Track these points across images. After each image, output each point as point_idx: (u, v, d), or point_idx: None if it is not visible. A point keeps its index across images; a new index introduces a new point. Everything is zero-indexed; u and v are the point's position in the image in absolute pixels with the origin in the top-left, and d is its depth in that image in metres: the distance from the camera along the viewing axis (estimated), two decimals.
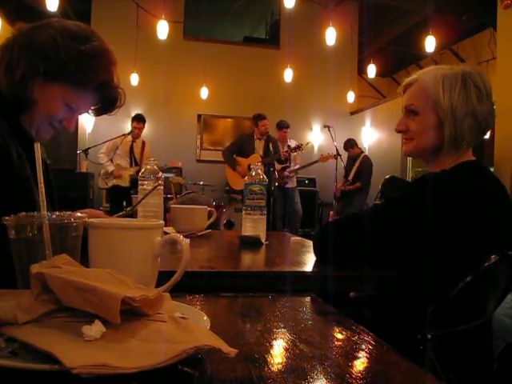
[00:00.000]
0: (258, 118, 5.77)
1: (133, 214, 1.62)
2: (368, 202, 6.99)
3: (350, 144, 6.81)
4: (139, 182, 1.47)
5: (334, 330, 0.72)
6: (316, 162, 6.42)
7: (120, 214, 1.34)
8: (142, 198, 1.36)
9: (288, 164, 6.05)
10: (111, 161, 5.96)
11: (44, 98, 1.08)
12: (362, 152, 6.68)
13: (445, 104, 1.20)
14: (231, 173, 5.81)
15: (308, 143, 6.70)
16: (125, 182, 5.93)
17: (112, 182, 5.94)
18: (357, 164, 6.55)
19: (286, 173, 5.96)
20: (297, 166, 6.39)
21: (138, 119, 6.12)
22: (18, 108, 1.07)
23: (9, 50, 1.06)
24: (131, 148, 6.08)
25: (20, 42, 1.06)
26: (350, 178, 6.52)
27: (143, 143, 6.19)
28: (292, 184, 6.42)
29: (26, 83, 1.05)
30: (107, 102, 1.22)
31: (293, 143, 6.41)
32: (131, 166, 6.07)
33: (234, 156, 5.79)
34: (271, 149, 5.62)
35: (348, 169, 6.77)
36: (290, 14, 7.25)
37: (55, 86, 1.08)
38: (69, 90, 1.10)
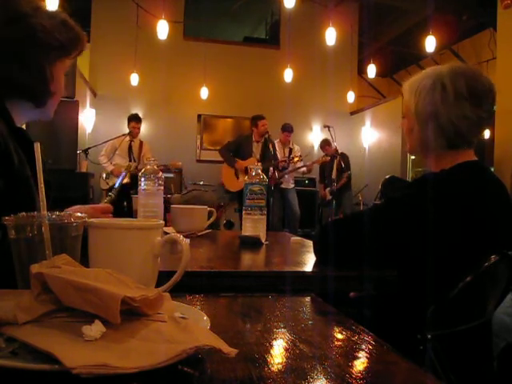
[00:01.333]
0: (257, 118, 5.75)
1: (133, 215, 1.62)
2: (354, 193, 7.09)
3: (326, 143, 6.87)
4: (139, 182, 1.47)
5: (334, 330, 0.72)
6: (314, 163, 6.45)
7: (106, 200, 1.37)
8: (122, 180, 1.39)
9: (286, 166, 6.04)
10: (110, 162, 6.07)
11: (58, 82, 1.13)
12: (337, 154, 6.67)
13: (413, 108, 1.24)
14: (227, 174, 5.78)
15: (307, 155, 6.69)
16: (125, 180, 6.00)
17: (113, 182, 6.00)
18: (336, 161, 6.58)
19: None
20: (291, 168, 6.34)
21: (137, 119, 6.23)
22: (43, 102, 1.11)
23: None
24: (130, 147, 6.18)
25: (12, 44, 1.06)
26: (334, 176, 6.53)
27: (141, 142, 6.31)
28: (289, 185, 6.41)
29: (47, 78, 1.09)
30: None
31: (295, 148, 6.41)
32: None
33: (231, 154, 5.77)
34: (271, 149, 5.61)
35: (328, 168, 6.82)
36: (290, 13, 7.25)
37: (57, 66, 1.12)
38: (64, 62, 1.15)
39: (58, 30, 1.09)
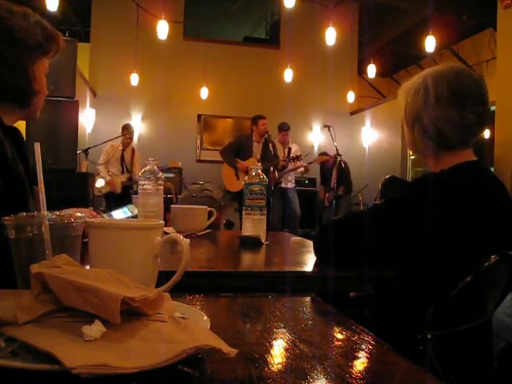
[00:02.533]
0: (257, 117, 5.75)
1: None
2: (352, 200, 7.13)
3: (324, 154, 6.91)
4: (139, 182, 1.47)
5: (334, 330, 0.72)
6: (311, 163, 6.44)
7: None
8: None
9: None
10: (107, 171, 6.23)
11: (40, 82, 1.14)
12: (335, 158, 6.66)
13: (403, 111, 1.29)
14: (227, 174, 5.76)
15: (307, 155, 6.69)
16: (117, 191, 6.20)
17: (106, 189, 6.20)
18: (334, 170, 6.60)
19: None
20: (290, 167, 6.31)
21: (127, 129, 6.37)
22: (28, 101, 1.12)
23: None
24: (122, 156, 6.31)
25: None
26: (333, 184, 6.56)
27: (133, 150, 6.42)
28: (290, 184, 6.41)
29: (30, 77, 1.09)
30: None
31: (294, 147, 6.41)
32: (122, 173, 6.30)
33: (232, 156, 5.75)
34: (271, 149, 5.60)
35: (327, 175, 6.87)
36: (290, 13, 7.25)
37: (37, 65, 1.13)
38: (44, 62, 1.16)
39: (34, 30, 1.10)
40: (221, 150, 5.96)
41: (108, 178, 6.18)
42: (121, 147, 6.27)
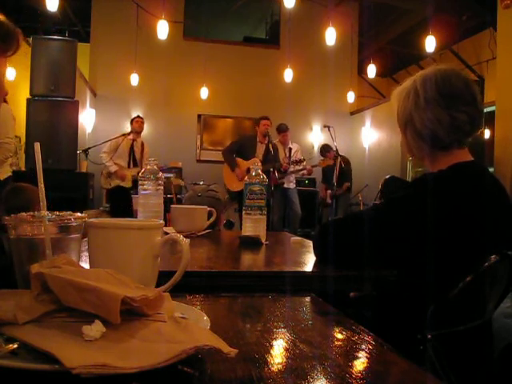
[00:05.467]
0: (260, 117, 5.79)
1: (133, 215, 1.63)
2: (352, 200, 7.15)
3: (326, 149, 6.90)
4: (139, 182, 1.47)
5: (334, 330, 0.72)
6: (315, 166, 6.43)
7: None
8: None
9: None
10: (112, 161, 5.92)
11: None
12: (337, 154, 6.65)
13: (396, 116, 1.30)
14: (228, 174, 5.76)
15: (310, 158, 6.67)
16: (127, 183, 5.86)
17: (115, 183, 5.87)
18: (337, 167, 6.60)
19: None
20: (292, 169, 6.29)
21: (139, 116, 6.23)
22: None
23: None
24: (131, 148, 6.04)
25: None
26: (335, 181, 6.56)
27: (142, 144, 6.18)
28: (291, 185, 6.41)
29: None
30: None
31: (294, 147, 6.41)
32: (129, 166, 6.00)
33: (234, 156, 5.73)
34: (271, 149, 5.60)
35: (329, 173, 6.88)
36: (290, 13, 7.26)
37: None
38: (2, 60, 1.12)
39: None
40: (223, 151, 5.94)
41: (115, 167, 5.83)
42: (131, 136, 6.00)
